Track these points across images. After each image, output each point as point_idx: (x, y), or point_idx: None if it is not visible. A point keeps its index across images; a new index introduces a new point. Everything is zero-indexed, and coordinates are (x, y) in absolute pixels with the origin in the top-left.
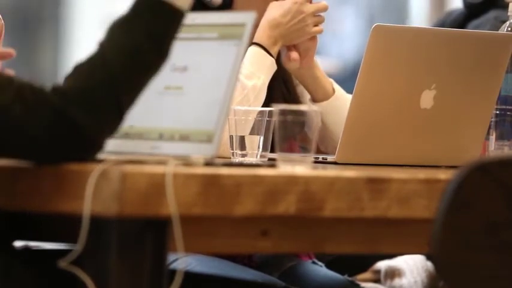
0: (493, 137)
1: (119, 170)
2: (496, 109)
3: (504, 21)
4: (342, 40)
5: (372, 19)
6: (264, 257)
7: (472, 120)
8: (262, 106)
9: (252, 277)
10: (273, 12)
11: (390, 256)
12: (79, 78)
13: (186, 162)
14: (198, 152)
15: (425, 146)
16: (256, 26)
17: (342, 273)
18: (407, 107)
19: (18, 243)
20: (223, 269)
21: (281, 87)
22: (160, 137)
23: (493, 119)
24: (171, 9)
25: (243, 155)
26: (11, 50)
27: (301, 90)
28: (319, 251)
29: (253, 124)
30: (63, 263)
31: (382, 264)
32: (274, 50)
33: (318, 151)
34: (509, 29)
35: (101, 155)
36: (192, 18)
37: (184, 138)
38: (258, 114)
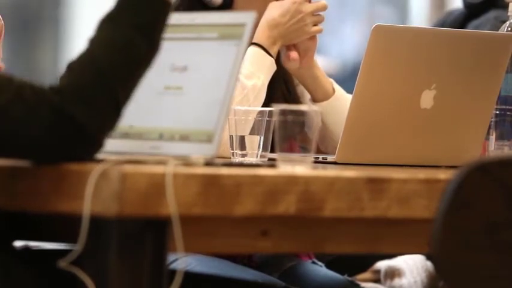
0: (493, 137)
1: (119, 170)
2: (496, 109)
3: (504, 21)
4: (342, 40)
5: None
6: (264, 257)
7: (472, 120)
8: (262, 106)
9: (252, 277)
10: (272, 12)
11: (390, 256)
12: (71, 76)
13: (186, 162)
14: (198, 152)
15: (425, 146)
16: (255, 26)
17: (342, 273)
18: (407, 107)
19: (18, 243)
20: (223, 269)
21: (281, 87)
22: (160, 137)
23: (493, 119)
24: (157, 0)
25: (243, 155)
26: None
27: (302, 90)
28: (319, 251)
29: (253, 124)
30: (63, 263)
31: (382, 264)
32: (274, 50)
33: (318, 151)
34: (509, 29)
35: (100, 155)
36: (192, 18)
37: (184, 138)
38: (258, 114)
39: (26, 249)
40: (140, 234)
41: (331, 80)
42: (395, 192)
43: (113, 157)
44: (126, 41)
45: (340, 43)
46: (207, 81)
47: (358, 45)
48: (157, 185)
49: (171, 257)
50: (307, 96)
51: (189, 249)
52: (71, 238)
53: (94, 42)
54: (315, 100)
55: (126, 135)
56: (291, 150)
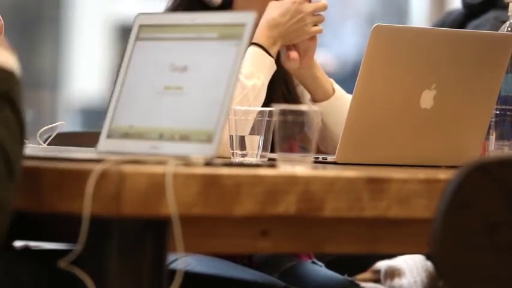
0: (493, 137)
1: (119, 170)
2: (496, 109)
3: (504, 22)
4: (342, 40)
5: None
6: (264, 257)
7: (472, 120)
8: (262, 106)
9: (252, 277)
10: (272, 12)
11: (390, 256)
12: None
13: (186, 162)
14: (198, 152)
15: (425, 146)
16: (255, 26)
17: (342, 273)
18: (407, 107)
19: (18, 243)
20: (223, 269)
21: (281, 87)
22: (160, 137)
23: (493, 119)
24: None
25: (243, 155)
26: None
27: (302, 90)
28: (319, 251)
29: (253, 124)
30: (63, 263)
31: (382, 264)
32: (274, 50)
33: (318, 151)
34: (509, 29)
35: (100, 155)
36: (192, 18)
37: (184, 138)
38: (258, 114)
39: (26, 249)
40: (140, 234)
41: (331, 80)
42: (395, 192)
43: (113, 157)
44: None
45: (340, 43)
46: (207, 81)
47: (358, 45)
48: (157, 185)
49: (171, 257)
50: (307, 96)
51: (189, 249)
52: (71, 238)
53: None
54: (315, 100)
55: (126, 135)
56: (291, 150)
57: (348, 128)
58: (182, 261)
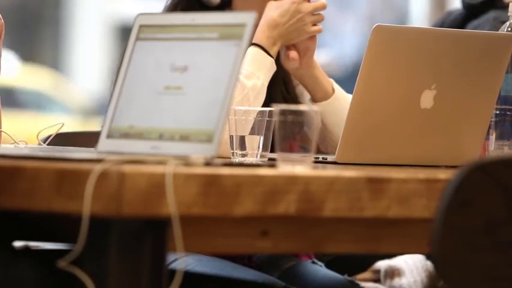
0: (493, 137)
1: (119, 170)
2: (496, 109)
3: (503, 22)
4: (342, 40)
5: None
6: (264, 257)
7: (472, 120)
8: (262, 106)
9: (252, 277)
10: (271, 12)
11: (390, 256)
12: None
13: (186, 162)
14: (198, 152)
15: (425, 146)
16: (255, 26)
17: (342, 273)
18: (408, 107)
19: (18, 243)
20: (223, 269)
21: (280, 88)
22: (160, 137)
23: (493, 119)
24: None
25: (243, 155)
26: None
27: (301, 90)
28: (319, 251)
29: (253, 124)
30: (62, 263)
31: (382, 264)
32: (274, 50)
33: (318, 151)
34: (509, 29)
35: (100, 155)
36: (192, 18)
37: (184, 138)
38: (258, 114)
39: (26, 249)
40: (140, 234)
41: (331, 80)
42: (395, 192)
43: (113, 157)
44: None
45: (340, 43)
46: (207, 81)
47: (358, 45)
48: (157, 185)
49: (171, 257)
50: (307, 96)
51: (189, 249)
52: (71, 238)
53: None
54: (314, 100)
55: (126, 135)
56: (291, 150)
57: (348, 128)
58: (182, 261)
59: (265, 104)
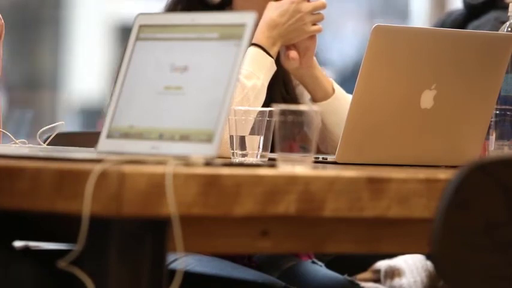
0: (493, 137)
1: (119, 170)
2: (496, 109)
3: (504, 22)
4: (342, 40)
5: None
6: (264, 257)
7: (472, 120)
8: (262, 107)
9: (252, 277)
10: (271, 12)
11: (390, 256)
12: None
13: (186, 162)
14: (198, 152)
15: (425, 146)
16: (255, 26)
17: (342, 273)
18: (408, 107)
19: (18, 243)
20: (223, 269)
21: (280, 88)
22: (160, 137)
23: (493, 119)
24: None
25: (243, 155)
26: None
27: (301, 90)
28: (319, 251)
29: (254, 124)
30: (62, 263)
31: (382, 264)
32: (274, 51)
33: (318, 151)
34: (509, 29)
35: (100, 155)
36: (192, 18)
37: (184, 138)
38: (258, 114)
39: (26, 249)
40: (140, 234)
41: (331, 80)
42: (395, 192)
43: (113, 157)
44: None
45: (340, 43)
46: (207, 81)
47: (358, 45)
48: (157, 185)
49: (171, 257)
50: (307, 96)
51: (189, 249)
52: (71, 238)
53: None
54: (314, 100)
55: (126, 135)
56: (291, 150)
57: (348, 128)
58: (182, 261)
59: (265, 104)
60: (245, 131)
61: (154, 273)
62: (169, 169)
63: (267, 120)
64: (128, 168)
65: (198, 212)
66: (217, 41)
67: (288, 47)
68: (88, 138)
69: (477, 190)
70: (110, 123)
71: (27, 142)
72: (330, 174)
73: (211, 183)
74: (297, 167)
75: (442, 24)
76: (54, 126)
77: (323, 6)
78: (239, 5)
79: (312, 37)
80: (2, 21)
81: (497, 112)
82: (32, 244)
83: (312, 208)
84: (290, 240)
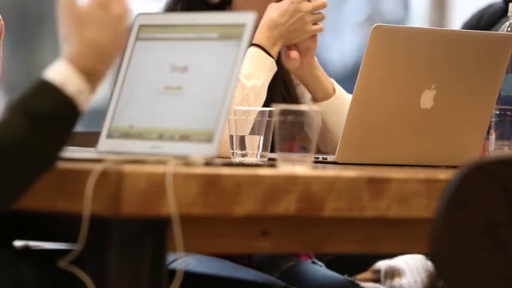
0: (493, 137)
1: (119, 170)
2: (496, 109)
3: None
4: (342, 40)
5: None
6: (264, 257)
7: (472, 120)
8: (263, 106)
9: (252, 277)
10: (271, 13)
11: (390, 256)
12: None
13: (186, 162)
14: (198, 152)
15: (425, 146)
16: (255, 26)
17: (342, 273)
18: (407, 107)
19: (18, 243)
20: (223, 269)
21: (281, 88)
22: (160, 137)
23: (493, 119)
24: (73, 110)
25: (243, 155)
26: None
27: (302, 90)
28: (319, 251)
29: (254, 124)
30: (63, 263)
31: (382, 264)
32: (274, 51)
33: (318, 151)
34: (509, 29)
35: (100, 155)
36: (192, 18)
37: (184, 138)
38: (258, 114)
39: (26, 249)
40: (140, 234)
41: (332, 80)
42: (395, 192)
43: (113, 157)
44: (18, 140)
45: (340, 43)
46: (207, 81)
47: (358, 45)
48: (157, 184)
49: (171, 257)
50: (308, 96)
51: (189, 249)
52: (71, 238)
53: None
54: (315, 100)
55: (126, 135)
56: (291, 150)
57: (348, 128)
58: (182, 261)
59: (266, 104)
60: (245, 131)
61: (154, 273)
62: (169, 169)
63: (267, 120)
64: (128, 168)
65: (198, 212)
66: (217, 41)
67: (288, 47)
68: (88, 138)
69: (477, 190)
70: (110, 123)
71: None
72: (330, 174)
73: (211, 183)
74: (297, 167)
75: (481, 16)
76: None
77: (323, 6)
78: (239, 4)
79: (313, 37)
80: (2, 21)
81: (497, 112)
82: (32, 244)
83: (312, 208)
84: (290, 240)
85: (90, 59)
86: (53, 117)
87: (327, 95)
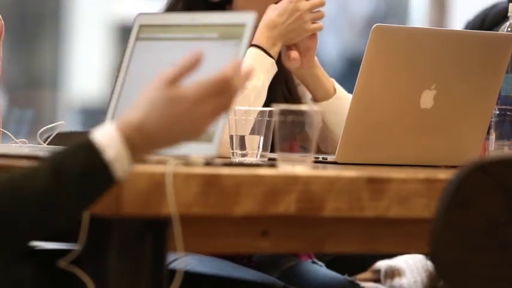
0: (493, 137)
1: None
2: (496, 109)
3: None
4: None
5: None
6: (264, 257)
7: (472, 120)
8: (264, 106)
9: (252, 277)
10: (270, 13)
11: (390, 256)
12: None
13: (186, 162)
14: (198, 151)
15: (425, 146)
16: (255, 27)
17: (342, 273)
18: (407, 107)
19: None
20: (223, 269)
21: (282, 88)
22: None
23: (493, 119)
24: (105, 174)
25: (243, 155)
26: None
27: (303, 90)
28: (319, 251)
29: (254, 124)
30: (63, 263)
31: (382, 264)
32: (274, 51)
33: (318, 151)
34: (509, 29)
35: None
36: (192, 18)
37: None
38: (258, 114)
39: (26, 249)
40: (140, 234)
41: (332, 80)
42: (395, 192)
43: None
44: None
45: (340, 43)
46: None
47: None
48: (157, 184)
49: (171, 257)
50: (308, 96)
51: (189, 249)
52: (71, 238)
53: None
54: (316, 100)
55: None
56: (291, 150)
57: (348, 128)
58: (182, 261)
59: (266, 104)
60: (245, 131)
61: (154, 273)
62: (169, 169)
63: (267, 120)
64: None
65: (198, 212)
66: (217, 41)
67: (288, 47)
68: None
69: (477, 190)
70: None
71: (27, 142)
72: (330, 174)
73: (211, 183)
74: (297, 167)
75: (486, 15)
76: (54, 126)
77: (321, 4)
78: (239, 4)
79: (313, 36)
80: (2, 21)
81: (497, 112)
82: (32, 244)
83: (312, 208)
84: (290, 240)
85: (145, 142)
86: (80, 176)
87: (328, 95)
